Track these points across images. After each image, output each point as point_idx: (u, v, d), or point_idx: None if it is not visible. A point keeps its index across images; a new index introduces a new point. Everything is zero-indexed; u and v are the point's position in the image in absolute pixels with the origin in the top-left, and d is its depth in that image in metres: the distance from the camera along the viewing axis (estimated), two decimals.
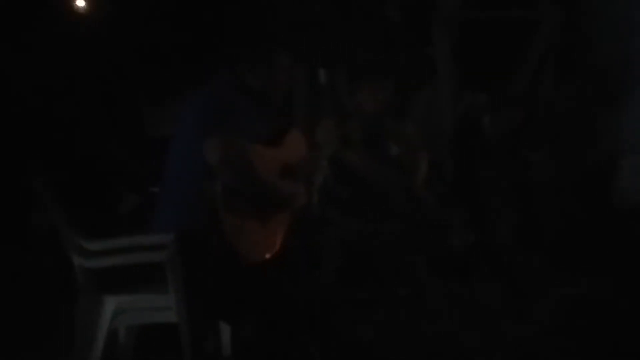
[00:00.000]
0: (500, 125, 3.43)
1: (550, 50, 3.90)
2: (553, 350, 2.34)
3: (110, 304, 1.97)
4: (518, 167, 3.34)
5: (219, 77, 2.12)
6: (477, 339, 2.44)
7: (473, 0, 3.94)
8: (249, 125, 2.03)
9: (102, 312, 1.96)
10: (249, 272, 2.00)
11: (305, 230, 2.34)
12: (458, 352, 2.37)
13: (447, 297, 2.77)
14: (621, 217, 3.15)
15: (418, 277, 2.81)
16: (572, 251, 3.00)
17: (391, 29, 3.90)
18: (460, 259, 3.01)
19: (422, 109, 3.60)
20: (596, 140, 3.36)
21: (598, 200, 3.20)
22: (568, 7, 3.87)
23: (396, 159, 2.93)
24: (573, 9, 3.83)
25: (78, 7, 3.91)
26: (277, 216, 2.11)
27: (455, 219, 3.08)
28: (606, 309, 2.57)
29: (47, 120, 3.29)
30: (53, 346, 2.31)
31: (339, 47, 3.72)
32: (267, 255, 2.03)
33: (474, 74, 3.73)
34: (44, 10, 3.64)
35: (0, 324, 2.55)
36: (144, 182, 2.66)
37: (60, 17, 3.73)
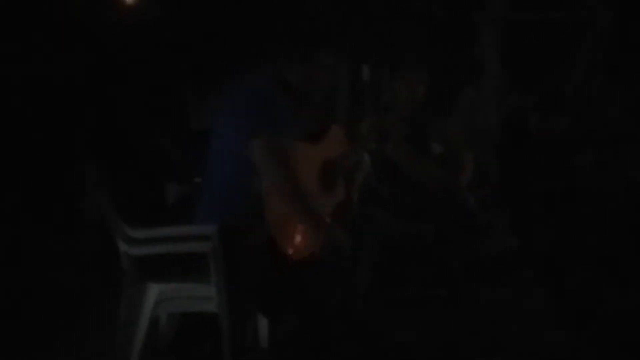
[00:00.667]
0: (548, 128, 3.35)
1: (599, 52, 3.80)
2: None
3: (154, 291, 2.00)
4: (564, 172, 3.27)
5: (260, 74, 2.13)
6: (518, 344, 2.40)
7: (522, 1, 3.87)
8: (290, 121, 2.03)
9: (145, 299, 1.99)
10: (289, 267, 2.01)
11: (345, 227, 2.34)
12: (494, 355, 2.33)
13: (486, 301, 2.73)
14: None
15: (457, 279, 2.78)
16: (619, 260, 2.91)
17: (437, 28, 3.86)
18: (502, 263, 2.97)
19: (468, 109, 3.55)
20: None
21: None
22: (618, 8, 3.76)
23: (439, 158, 2.90)
24: (623, 9, 3.72)
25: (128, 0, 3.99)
26: (318, 213, 2.12)
27: (498, 222, 3.04)
28: None
29: (96, 110, 3.38)
30: (98, 330, 2.37)
31: (384, 44, 3.70)
32: (309, 252, 2.04)
33: (522, 75, 3.67)
34: (95, 2, 3.73)
35: (49, 308, 2.63)
36: (188, 173, 2.70)
37: (110, 8, 3.81)
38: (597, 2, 3.81)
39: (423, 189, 2.76)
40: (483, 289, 2.79)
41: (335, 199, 2.19)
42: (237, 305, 2.00)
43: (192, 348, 2.31)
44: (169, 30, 3.70)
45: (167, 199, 2.60)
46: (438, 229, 2.72)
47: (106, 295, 2.31)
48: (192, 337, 2.32)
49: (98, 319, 2.41)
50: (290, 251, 1.99)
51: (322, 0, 3.65)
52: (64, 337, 2.43)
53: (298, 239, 2.02)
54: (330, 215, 2.17)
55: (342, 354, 2.22)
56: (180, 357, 2.27)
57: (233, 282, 1.98)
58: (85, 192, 2.85)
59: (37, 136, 3.50)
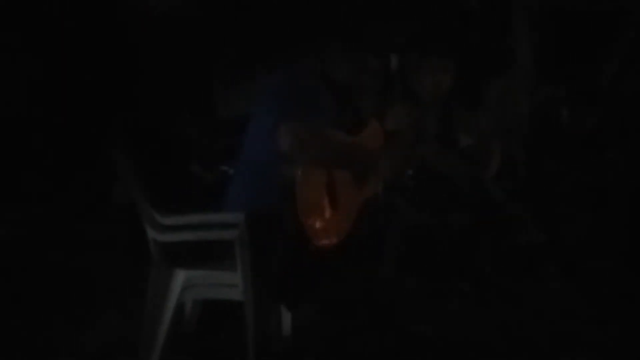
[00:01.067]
0: (579, 121, 3.29)
1: (636, 44, 3.69)
2: (623, 356, 2.25)
3: (180, 277, 2.02)
4: (595, 166, 3.20)
5: (301, 65, 2.13)
6: (541, 339, 2.37)
7: None
8: (327, 115, 2.03)
9: (171, 285, 2.01)
10: (316, 256, 2.02)
11: (370, 218, 2.33)
12: (519, 350, 2.31)
13: (510, 295, 2.71)
14: None
15: (482, 272, 2.76)
16: None
17: (468, 17, 3.79)
18: (528, 257, 2.93)
19: (497, 100, 3.50)
20: None
21: None
22: None
23: (466, 149, 2.86)
24: None
25: None
26: (349, 202, 2.11)
27: (525, 215, 3.00)
28: None
29: (126, 98, 3.40)
30: (125, 315, 2.41)
31: (413, 33, 3.65)
32: (336, 240, 2.04)
33: (554, 66, 3.59)
34: None
35: (77, 293, 2.68)
36: (215, 162, 2.71)
37: None
38: None
39: (448, 181, 2.73)
40: (507, 283, 2.77)
41: (366, 194, 2.19)
42: (262, 293, 2.01)
43: (216, 335, 2.33)
44: (196, 19, 3.69)
45: (196, 186, 2.62)
46: (463, 221, 2.69)
47: (133, 280, 2.34)
48: (215, 326, 2.34)
49: (125, 305, 2.44)
50: (318, 239, 1.99)
51: None
52: (90, 322, 2.47)
53: (326, 226, 2.02)
54: (358, 209, 2.17)
55: (363, 343, 2.23)
56: (205, 343, 2.29)
57: (258, 271, 1.99)
58: (114, 179, 2.88)
59: (69, 122, 3.55)
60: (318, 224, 1.99)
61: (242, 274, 1.98)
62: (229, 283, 2.02)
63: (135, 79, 3.52)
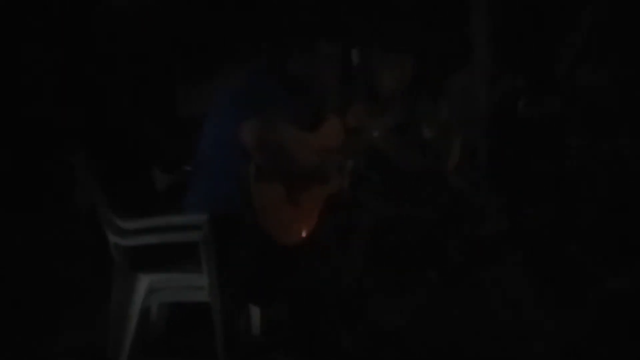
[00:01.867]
0: (538, 110, 3.35)
1: (593, 32, 3.77)
2: (588, 342, 2.30)
3: (144, 281, 2.00)
4: (555, 154, 3.27)
5: (256, 63, 2.12)
6: (508, 327, 2.42)
7: None
8: (285, 111, 2.03)
9: (136, 290, 2.00)
10: (280, 253, 2.02)
11: (335, 213, 2.34)
12: (488, 339, 2.35)
13: (476, 283, 2.75)
14: None
15: (448, 262, 2.80)
16: (611, 242, 2.93)
17: (425, 7, 3.82)
18: (492, 246, 2.98)
19: (457, 91, 3.53)
20: (637, 127, 3.26)
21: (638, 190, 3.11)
22: None
23: (429, 142, 2.89)
24: None
25: None
26: (310, 198, 2.12)
27: (488, 205, 3.05)
28: None
29: (84, 100, 3.34)
30: (90, 321, 2.37)
31: (371, 25, 3.66)
32: (299, 237, 2.04)
33: (513, 57, 3.64)
34: None
35: (40, 300, 2.63)
36: (177, 161, 2.68)
37: None
38: None
39: (412, 174, 2.76)
40: (474, 272, 2.81)
41: (329, 189, 2.19)
42: (229, 293, 2.01)
43: (184, 338, 2.32)
44: (157, 18, 3.65)
45: (156, 188, 2.58)
46: (428, 213, 2.73)
47: (97, 286, 2.31)
48: (183, 327, 2.32)
49: (89, 310, 2.41)
50: (280, 237, 1.99)
51: None
52: (55, 328, 2.43)
53: (288, 224, 2.02)
54: (323, 204, 2.17)
55: (333, 339, 2.24)
56: (172, 347, 2.28)
57: (224, 271, 1.98)
58: (74, 183, 2.83)
59: (26, 127, 3.47)
60: (277, 223, 1.99)
61: (208, 275, 1.97)
62: (194, 285, 2.01)
63: (94, 80, 3.46)
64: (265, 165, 1.95)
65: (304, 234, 2.06)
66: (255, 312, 2.29)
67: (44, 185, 3.32)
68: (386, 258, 2.72)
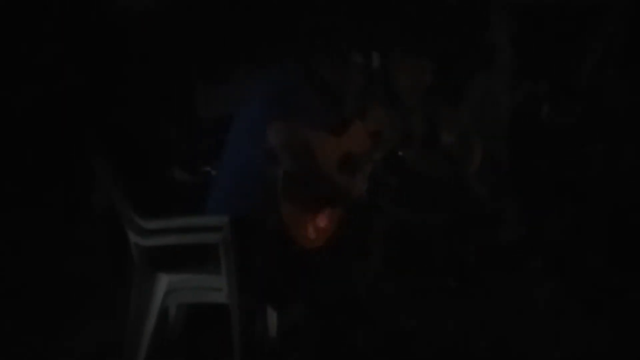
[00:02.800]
0: (560, 116, 3.32)
1: (615, 38, 3.72)
2: (608, 352, 2.27)
3: (163, 282, 2.00)
4: (576, 161, 3.23)
5: (286, 65, 2.12)
6: (525, 335, 2.39)
7: None
8: (312, 114, 2.03)
9: (155, 290, 1.99)
10: (299, 257, 2.01)
11: (354, 218, 2.33)
12: (505, 347, 2.33)
13: (494, 290, 2.73)
14: None
15: (466, 269, 2.77)
16: (632, 250, 2.89)
17: (447, 13, 3.80)
18: (511, 253, 2.96)
19: (478, 97, 3.51)
20: None
21: None
22: None
23: (448, 147, 2.88)
24: None
25: None
26: (331, 205, 2.11)
27: (507, 211, 3.02)
28: None
29: (104, 101, 3.36)
30: (108, 321, 2.38)
31: (391, 30, 3.65)
32: (321, 242, 2.04)
33: (534, 62, 3.61)
34: None
35: (59, 300, 2.65)
36: (197, 162, 2.69)
37: None
38: None
39: (432, 179, 2.74)
40: (492, 279, 2.79)
41: (352, 194, 2.19)
42: (247, 296, 2.01)
43: (202, 339, 2.32)
44: (178, 18, 3.66)
45: (177, 188, 2.59)
46: (446, 219, 2.71)
47: (116, 286, 2.32)
48: (201, 328, 2.33)
49: (108, 310, 2.42)
50: (303, 240, 1.99)
51: None
52: (74, 328, 2.44)
53: (312, 228, 2.02)
54: (343, 209, 2.17)
55: (350, 342, 2.23)
56: (190, 348, 2.28)
57: (243, 273, 1.98)
58: (94, 184, 2.84)
59: (47, 128, 3.50)
60: (304, 228, 1.99)
61: (226, 277, 1.97)
62: (213, 286, 2.00)
63: (114, 81, 3.48)
64: (292, 167, 1.94)
65: (325, 239, 2.05)
66: (272, 315, 2.28)
67: (62, 184, 3.34)
68: (403, 262, 2.71)
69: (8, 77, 3.52)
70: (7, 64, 3.51)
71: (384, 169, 2.75)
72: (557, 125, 3.30)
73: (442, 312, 2.57)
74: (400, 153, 2.61)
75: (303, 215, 2.00)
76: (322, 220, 2.06)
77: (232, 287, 1.97)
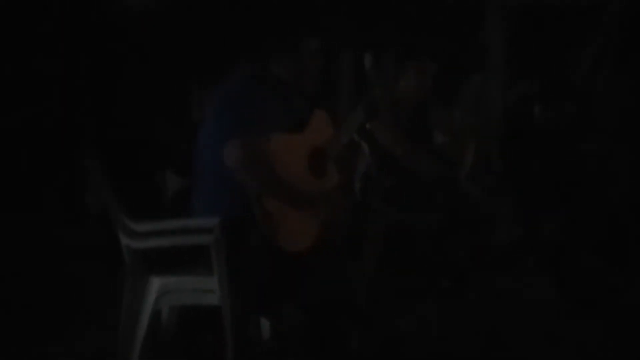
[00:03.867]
0: (553, 116, 3.32)
1: (609, 38, 3.73)
2: (603, 353, 2.27)
3: (156, 284, 2.00)
4: (570, 161, 3.23)
5: (238, 68, 2.09)
6: (520, 334, 2.39)
7: None
8: (271, 115, 1.99)
9: (147, 292, 1.99)
10: (289, 260, 2.00)
11: (348, 218, 2.32)
12: (500, 348, 2.33)
13: (489, 291, 2.73)
14: None
15: (461, 269, 2.77)
16: (628, 250, 2.89)
17: (443, 13, 3.80)
18: (506, 254, 2.96)
19: (471, 97, 3.52)
20: None
21: None
22: None
23: (442, 148, 2.88)
24: None
25: None
26: (315, 205, 2.10)
27: (501, 211, 3.02)
28: None
29: (98, 102, 3.36)
30: (100, 323, 2.38)
31: (387, 30, 3.65)
32: (306, 245, 2.03)
33: (528, 62, 3.61)
34: None
35: (51, 301, 2.64)
36: (190, 165, 2.68)
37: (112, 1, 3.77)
38: None
39: (425, 179, 2.74)
40: (487, 279, 2.79)
41: (329, 184, 2.15)
42: (240, 297, 2.00)
43: (194, 341, 2.31)
44: (172, 20, 3.66)
45: (168, 191, 2.59)
46: (440, 220, 2.71)
47: (108, 288, 2.31)
48: (194, 330, 2.32)
49: (100, 313, 2.42)
50: (288, 246, 1.98)
51: None
52: (66, 330, 2.44)
53: (294, 233, 2.00)
54: (329, 209, 2.14)
55: (344, 344, 2.23)
56: (183, 350, 2.28)
57: (235, 275, 1.98)
58: (87, 186, 2.84)
59: (40, 130, 3.50)
60: (284, 232, 1.97)
61: (218, 278, 1.96)
62: (205, 288, 2.00)
63: (108, 84, 3.48)
64: (255, 185, 1.92)
65: (310, 241, 2.04)
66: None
67: (56, 186, 3.34)
68: (397, 264, 2.71)
69: (4, 79, 3.52)
70: (4, 65, 3.51)
71: (377, 170, 2.75)
72: (551, 125, 3.30)
73: (436, 313, 2.56)
74: (367, 126, 2.53)
75: (284, 221, 1.98)
76: (305, 219, 2.04)
77: (224, 289, 1.96)
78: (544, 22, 3.71)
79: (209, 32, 3.68)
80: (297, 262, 2.02)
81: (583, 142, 3.28)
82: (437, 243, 2.73)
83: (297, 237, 2.01)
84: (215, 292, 1.98)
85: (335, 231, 2.09)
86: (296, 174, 2.02)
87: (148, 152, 2.61)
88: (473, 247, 2.81)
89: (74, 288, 2.76)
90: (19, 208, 3.36)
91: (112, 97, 3.39)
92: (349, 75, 3.62)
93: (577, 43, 3.71)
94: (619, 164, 3.20)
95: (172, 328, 2.27)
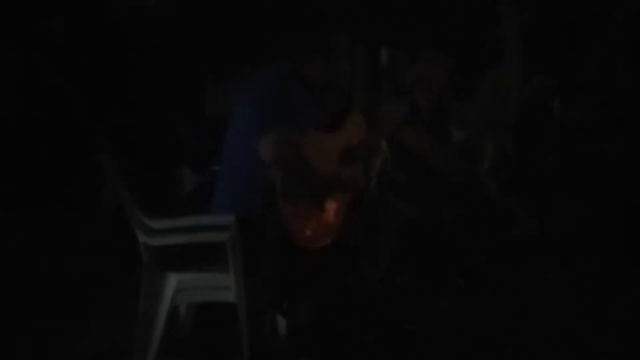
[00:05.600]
0: (570, 111, 3.28)
1: (626, 32, 3.67)
2: (620, 350, 2.25)
3: (173, 281, 2.01)
4: (588, 156, 3.20)
5: (274, 67, 2.09)
6: (536, 333, 2.37)
7: None
8: (305, 113, 2.01)
9: (164, 289, 2.00)
10: (304, 257, 2.01)
11: (362, 215, 2.32)
12: (515, 345, 2.31)
13: (505, 287, 2.70)
14: None
15: (476, 266, 2.75)
16: None
17: (458, 8, 3.77)
18: (522, 250, 2.93)
19: (488, 92, 3.48)
20: None
21: None
22: None
23: (459, 143, 2.86)
24: None
25: None
26: (335, 202, 2.10)
27: (518, 207, 2.99)
28: None
29: (113, 99, 3.38)
30: (118, 320, 2.39)
31: (403, 25, 3.63)
32: (325, 241, 2.03)
33: (544, 57, 3.57)
34: None
35: (68, 298, 2.66)
36: (205, 161, 2.69)
37: None
38: None
39: (441, 175, 2.72)
40: (503, 275, 2.76)
41: (356, 185, 2.17)
42: (255, 294, 2.01)
43: (211, 337, 2.32)
44: (185, 17, 3.67)
45: (184, 187, 2.60)
46: (457, 216, 2.69)
47: (126, 285, 2.33)
48: (210, 327, 2.33)
49: (118, 309, 2.43)
50: (307, 243, 1.98)
51: None
52: (83, 326, 2.46)
53: (312, 230, 2.01)
54: (347, 207, 2.15)
55: (359, 342, 2.22)
56: (198, 347, 2.29)
57: (251, 272, 1.98)
58: (103, 183, 2.86)
59: (56, 127, 3.53)
60: (305, 229, 1.97)
61: (234, 275, 1.97)
62: (221, 285, 2.01)
63: (124, 80, 3.49)
64: (287, 178, 1.92)
65: (329, 239, 2.04)
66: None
67: (72, 184, 3.36)
68: (413, 260, 2.70)
69: (18, 76, 3.55)
70: (19, 63, 3.53)
71: (393, 166, 2.73)
72: (568, 121, 3.26)
73: (450, 310, 2.55)
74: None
75: (306, 216, 1.99)
76: (328, 217, 2.04)
77: (240, 286, 1.97)
78: (561, 17, 3.66)
79: (225, 29, 3.68)
80: (313, 259, 2.02)
81: (600, 138, 3.24)
82: (453, 239, 2.72)
83: (317, 235, 2.01)
84: (231, 289, 1.98)
85: (355, 229, 2.09)
86: (326, 174, 2.04)
87: (164, 149, 2.62)
88: (489, 243, 2.79)
89: (90, 284, 2.78)
90: (35, 205, 3.39)
91: (128, 94, 3.40)
92: (363, 71, 3.60)
93: (594, 38, 3.66)
94: (635, 160, 3.15)
95: (188, 324, 2.29)
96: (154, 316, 2.00)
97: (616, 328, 2.36)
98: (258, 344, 2.02)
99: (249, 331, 1.99)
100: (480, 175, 2.78)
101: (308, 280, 2.05)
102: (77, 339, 2.38)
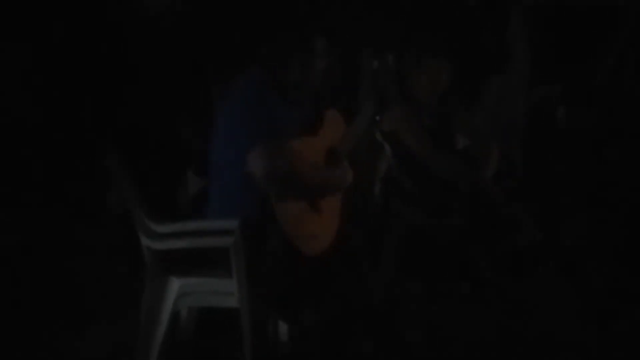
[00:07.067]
0: (576, 118, 3.27)
1: (634, 40, 3.67)
2: (621, 356, 2.24)
3: (175, 285, 2.00)
4: (593, 164, 3.18)
5: (247, 75, 2.06)
6: (540, 344, 2.36)
7: None
8: (283, 118, 1.97)
9: (166, 293, 2.00)
10: (307, 263, 2.00)
11: (366, 220, 2.31)
12: (519, 355, 2.30)
13: (510, 295, 2.69)
14: None
15: (481, 274, 2.74)
16: None
17: (465, 13, 3.76)
18: (527, 258, 2.92)
19: (493, 98, 3.47)
20: None
21: None
22: None
23: (463, 150, 2.85)
24: None
25: None
26: (332, 206, 2.09)
27: (523, 215, 2.98)
28: None
29: (119, 102, 3.37)
30: (119, 324, 2.39)
31: (408, 30, 3.62)
32: (325, 248, 2.02)
33: (551, 64, 3.56)
34: None
35: (71, 301, 2.66)
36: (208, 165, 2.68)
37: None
38: None
39: (446, 182, 2.71)
40: (507, 284, 2.75)
41: (347, 182, 2.14)
42: (258, 300, 2.00)
43: (213, 342, 2.32)
44: (193, 20, 3.66)
45: (189, 191, 2.59)
46: (461, 223, 2.68)
47: (128, 289, 2.32)
48: (212, 332, 2.32)
49: (119, 313, 2.43)
50: (306, 249, 1.97)
51: None
52: (86, 330, 2.45)
53: (314, 232, 2.00)
54: (345, 211, 2.14)
55: (361, 348, 2.22)
56: (200, 352, 2.28)
57: (254, 277, 1.97)
58: (108, 186, 2.86)
59: (62, 130, 3.53)
60: (302, 235, 1.96)
61: (237, 281, 1.96)
62: (224, 290, 2.00)
63: (129, 82, 3.49)
64: (280, 192, 1.90)
65: (329, 244, 2.03)
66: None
67: (76, 185, 3.36)
68: (417, 267, 2.69)
69: (24, 76, 3.55)
70: (24, 63, 3.54)
71: (397, 171, 2.73)
72: (574, 128, 3.25)
73: (454, 318, 2.54)
74: (377, 117, 2.50)
75: (304, 225, 1.97)
76: (325, 219, 2.03)
77: (242, 292, 1.96)
78: (567, 23, 3.65)
79: (227, 30, 3.67)
80: (315, 265, 2.02)
81: (606, 145, 3.23)
82: (458, 247, 2.71)
83: (316, 241, 2.00)
84: (234, 294, 1.98)
85: (358, 234, 2.08)
86: (316, 177, 2.02)
87: (169, 153, 2.61)
88: (494, 251, 2.78)
89: (93, 287, 2.78)
90: (39, 206, 3.38)
91: (133, 96, 3.39)
92: (368, 74, 3.60)
93: (600, 44, 3.66)
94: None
95: (190, 329, 2.28)
96: (156, 320, 1.99)
97: (621, 338, 2.35)
98: (260, 350, 2.01)
99: (251, 337, 1.98)
100: (485, 182, 2.76)
101: (311, 286, 2.04)
102: (79, 342, 2.37)
